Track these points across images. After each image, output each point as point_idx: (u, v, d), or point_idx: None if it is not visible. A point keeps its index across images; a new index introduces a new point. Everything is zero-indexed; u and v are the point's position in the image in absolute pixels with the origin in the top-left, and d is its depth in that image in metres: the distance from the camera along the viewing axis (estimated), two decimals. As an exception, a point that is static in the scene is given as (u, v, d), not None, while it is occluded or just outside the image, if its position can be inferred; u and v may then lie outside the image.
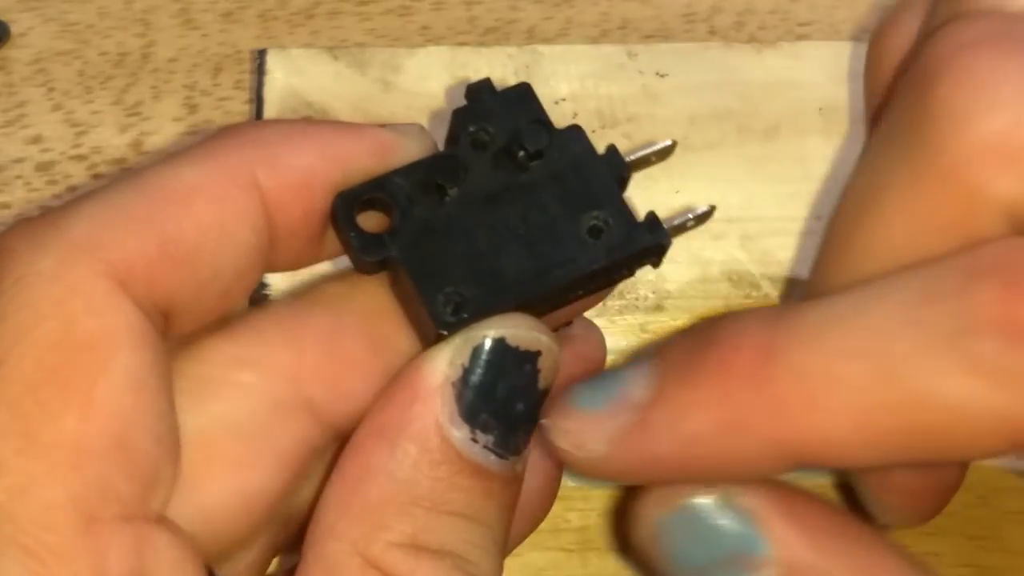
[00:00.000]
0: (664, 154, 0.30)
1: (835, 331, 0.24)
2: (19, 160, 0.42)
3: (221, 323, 0.26)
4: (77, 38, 0.44)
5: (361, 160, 0.27)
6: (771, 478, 0.25)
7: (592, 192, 0.27)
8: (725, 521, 0.25)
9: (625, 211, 0.27)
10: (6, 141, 0.42)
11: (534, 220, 0.27)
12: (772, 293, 0.38)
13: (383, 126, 0.28)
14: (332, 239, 0.27)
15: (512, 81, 0.41)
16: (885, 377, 0.23)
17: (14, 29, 0.44)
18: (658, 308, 0.38)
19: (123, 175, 0.25)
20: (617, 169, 0.28)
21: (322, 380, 0.26)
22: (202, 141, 0.26)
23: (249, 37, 0.44)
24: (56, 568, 0.22)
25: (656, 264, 0.28)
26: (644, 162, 0.29)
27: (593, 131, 0.40)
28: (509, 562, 0.32)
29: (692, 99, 0.41)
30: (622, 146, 0.40)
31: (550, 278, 0.26)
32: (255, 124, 0.27)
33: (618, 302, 0.38)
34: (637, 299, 0.38)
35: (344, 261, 0.27)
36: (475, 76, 0.41)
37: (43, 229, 0.24)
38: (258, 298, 0.37)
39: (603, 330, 0.37)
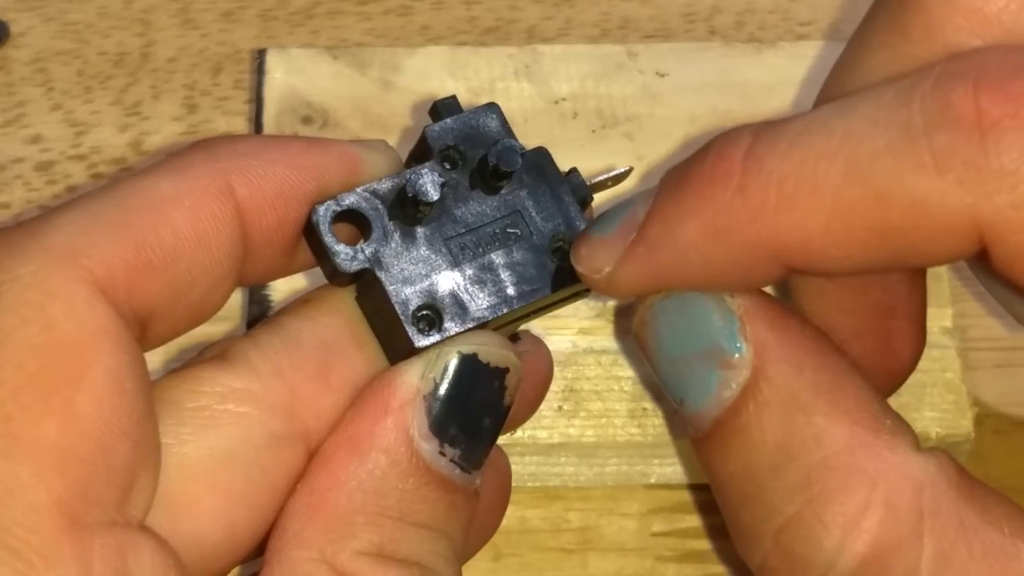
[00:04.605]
0: (620, 179, 0.31)
1: (811, 136, 0.25)
2: (19, 160, 0.42)
3: (215, 354, 0.26)
4: (77, 38, 0.44)
5: (332, 173, 0.27)
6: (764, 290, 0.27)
7: (557, 214, 0.28)
8: (712, 314, 0.27)
9: None
10: (6, 141, 0.42)
11: (504, 239, 0.28)
12: (771, 292, 0.38)
13: (351, 142, 0.28)
14: (303, 251, 0.27)
15: (512, 81, 0.41)
16: (856, 175, 0.24)
17: (14, 29, 0.44)
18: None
19: (101, 186, 0.26)
20: (580, 192, 0.29)
21: (316, 411, 0.26)
22: (178, 153, 0.26)
23: (249, 37, 0.44)
24: (42, 569, 0.22)
25: None
26: (602, 185, 0.30)
27: (593, 131, 0.40)
28: (509, 562, 0.32)
29: (692, 99, 0.41)
30: (622, 146, 0.40)
31: (518, 298, 0.27)
32: (230, 137, 0.28)
33: (618, 302, 0.38)
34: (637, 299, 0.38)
35: (314, 274, 0.28)
36: (475, 76, 0.41)
37: (22, 237, 0.24)
38: (261, 303, 0.37)
39: (602, 330, 0.37)
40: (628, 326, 0.29)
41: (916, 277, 0.30)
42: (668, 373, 0.28)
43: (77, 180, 0.41)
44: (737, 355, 0.26)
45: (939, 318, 0.37)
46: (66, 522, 0.22)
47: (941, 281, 0.37)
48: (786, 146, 0.25)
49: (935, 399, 0.36)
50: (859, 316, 0.29)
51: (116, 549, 0.23)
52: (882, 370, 0.30)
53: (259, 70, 0.41)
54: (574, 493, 0.37)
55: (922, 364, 0.36)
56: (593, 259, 0.27)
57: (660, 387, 0.28)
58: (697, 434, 0.27)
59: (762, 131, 0.25)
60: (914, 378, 0.34)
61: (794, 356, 0.26)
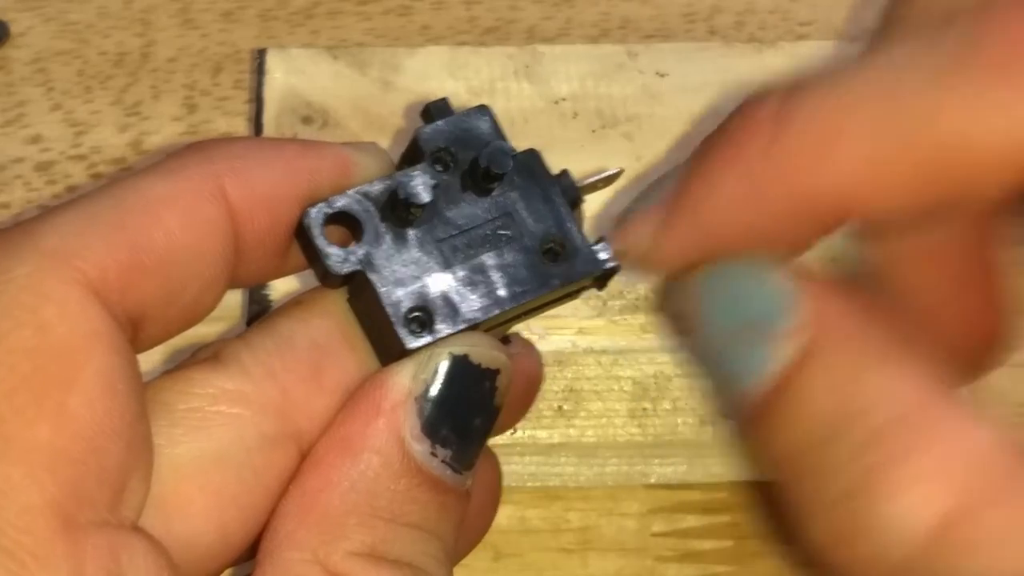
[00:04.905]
0: (610, 180, 0.31)
1: (846, 81, 0.24)
2: (19, 160, 0.42)
3: (208, 356, 0.26)
4: (77, 38, 0.44)
5: (324, 175, 0.27)
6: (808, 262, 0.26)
7: (548, 215, 0.28)
8: (761, 283, 0.26)
9: (578, 235, 0.28)
10: (6, 141, 0.42)
11: (495, 241, 0.28)
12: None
13: (343, 144, 0.28)
14: (295, 253, 0.27)
15: (512, 81, 0.41)
16: (895, 115, 0.23)
17: (14, 29, 0.44)
18: (658, 308, 0.38)
19: (96, 187, 0.26)
20: (570, 193, 0.29)
21: (308, 412, 0.26)
22: (172, 155, 0.26)
23: (249, 37, 0.44)
24: (35, 569, 0.22)
25: (601, 287, 0.29)
26: (593, 187, 0.30)
27: (593, 131, 0.40)
28: (509, 562, 0.32)
29: (692, 99, 0.41)
30: (622, 146, 0.40)
31: (510, 299, 0.27)
32: (222, 140, 0.27)
33: (618, 302, 0.38)
34: (637, 299, 0.38)
35: (307, 276, 0.28)
36: (475, 76, 0.41)
37: (16, 238, 0.24)
38: (261, 303, 0.37)
39: (604, 330, 0.37)
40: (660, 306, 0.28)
41: (984, 243, 0.28)
42: (715, 347, 0.26)
43: (77, 180, 0.41)
44: (790, 324, 0.25)
45: (939, 318, 0.37)
46: (59, 523, 0.23)
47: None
48: (820, 96, 0.24)
49: (935, 399, 0.36)
50: (939, 285, 0.28)
51: (109, 550, 0.23)
52: (971, 343, 0.29)
53: (259, 70, 0.41)
54: (574, 493, 0.37)
55: (922, 364, 0.35)
56: (633, 234, 0.27)
57: (704, 366, 0.27)
58: (750, 412, 0.26)
59: (795, 87, 0.25)
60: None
61: (849, 324, 0.25)
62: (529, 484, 0.37)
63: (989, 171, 0.23)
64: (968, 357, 0.29)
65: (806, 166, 0.24)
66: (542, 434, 0.36)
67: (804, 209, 0.25)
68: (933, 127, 0.23)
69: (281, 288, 0.37)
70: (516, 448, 0.35)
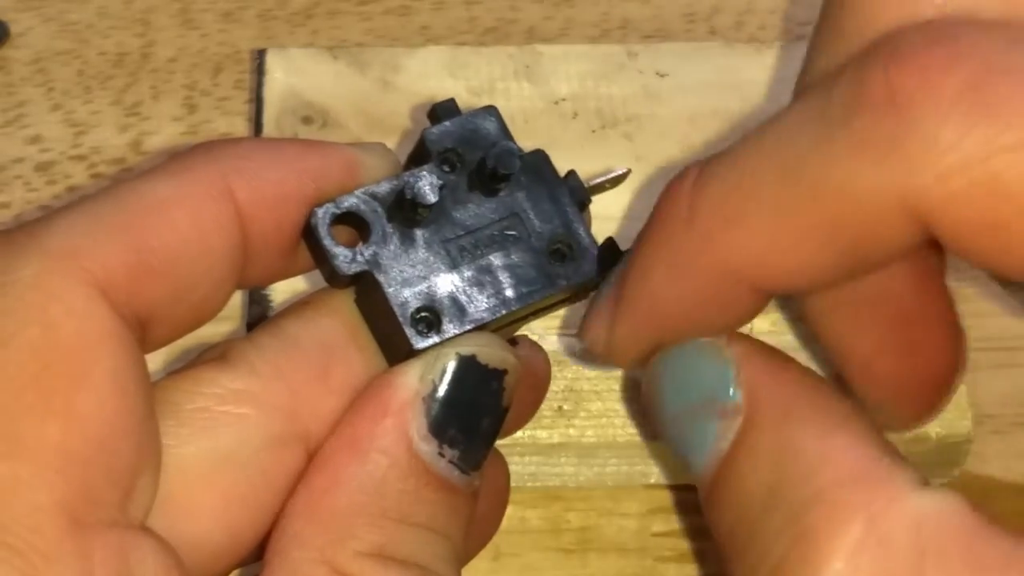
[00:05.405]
0: (618, 181, 0.31)
1: (747, 151, 0.25)
2: (19, 160, 0.42)
3: (215, 356, 0.26)
4: (76, 38, 0.44)
5: (331, 176, 0.27)
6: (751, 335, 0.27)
7: (555, 216, 0.28)
8: (707, 363, 0.26)
9: (586, 236, 0.28)
10: (6, 141, 0.42)
11: (502, 241, 0.28)
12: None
13: (350, 144, 0.28)
14: (305, 254, 0.27)
15: (512, 81, 0.41)
16: (788, 177, 0.24)
17: (14, 29, 0.44)
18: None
19: (102, 189, 0.26)
20: (578, 194, 0.29)
21: (315, 412, 0.26)
22: (178, 155, 0.26)
23: (249, 37, 0.44)
24: (44, 568, 0.22)
25: None
26: (600, 188, 0.30)
27: (593, 131, 0.40)
28: (509, 562, 0.32)
29: (692, 99, 0.41)
30: (622, 146, 0.40)
31: (517, 299, 0.27)
32: (229, 140, 0.27)
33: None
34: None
35: (314, 276, 0.28)
36: (475, 76, 0.41)
37: (23, 239, 0.24)
38: (261, 304, 0.37)
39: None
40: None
41: (923, 278, 0.28)
42: (672, 429, 0.27)
43: (77, 180, 0.41)
44: (731, 402, 0.26)
45: (939, 318, 0.37)
46: (68, 522, 0.22)
47: (941, 281, 0.38)
48: (727, 168, 0.25)
49: (935, 399, 0.36)
50: (878, 332, 0.28)
51: (118, 549, 0.23)
52: (922, 382, 0.29)
53: (259, 70, 0.41)
54: (574, 493, 0.37)
55: (922, 364, 0.35)
56: (592, 331, 0.28)
57: (670, 449, 0.28)
58: (702, 491, 0.26)
59: (708, 161, 0.25)
60: (914, 378, 0.34)
61: (785, 399, 0.25)
62: (529, 484, 0.37)
63: (886, 227, 0.23)
64: (912, 402, 0.29)
65: (718, 243, 0.25)
66: (542, 434, 0.36)
67: (725, 284, 0.25)
68: (827, 186, 0.23)
69: (284, 289, 0.36)
70: (516, 448, 0.35)
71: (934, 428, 0.36)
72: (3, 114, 0.42)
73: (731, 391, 0.26)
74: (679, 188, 0.25)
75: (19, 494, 0.22)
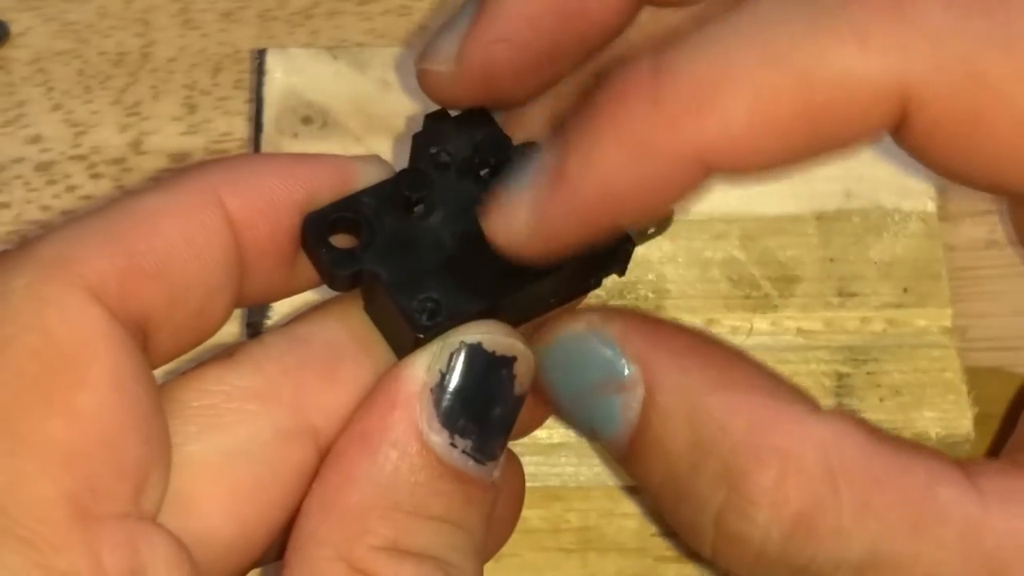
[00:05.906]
0: (663, 227, 0.31)
1: (723, 31, 0.24)
2: (18, 160, 0.42)
3: (222, 355, 0.27)
4: (76, 38, 0.44)
5: (323, 183, 0.27)
6: (640, 309, 0.28)
7: None
8: (593, 348, 0.27)
9: None
10: (6, 141, 0.42)
11: None
12: (772, 293, 0.38)
13: (343, 156, 0.28)
14: (305, 268, 0.28)
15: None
16: (775, 62, 0.24)
17: (14, 29, 0.44)
18: (658, 308, 0.38)
19: (93, 207, 0.26)
20: None
21: (323, 407, 0.26)
22: (168, 175, 0.27)
23: (249, 37, 0.44)
24: (53, 557, 0.22)
25: (621, 272, 0.29)
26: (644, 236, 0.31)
27: (593, 131, 0.40)
28: (509, 562, 0.32)
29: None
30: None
31: (519, 280, 0.27)
32: (222, 157, 0.28)
33: (618, 302, 0.38)
34: (637, 299, 0.38)
35: (325, 291, 0.28)
36: (475, 76, 0.41)
37: (15, 254, 0.25)
38: (260, 320, 0.37)
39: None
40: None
41: None
42: (573, 411, 0.28)
43: (77, 180, 0.41)
44: (627, 376, 0.27)
45: (939, 318, 0.37)
46: (74, 513, 0.23)
47: (941, 281, 0.38)
48: (699, 51, 0.24)
49: (935, 399, 0.36)
50: None
51: (127, 540, 0.23)
52: None
53: (259, 70, 0.41)
54: (574, 493, 0.37)
55: (922, 364, 0.36)
56: (511, 217, 0.26)
57: (570, 425, 0.29)
58: (618, 455, 0.28)
59: (667, 45, 0.25)
60: (914, 378, 0.34)
61: (677, 361, 0.27)
62: (529, 484, 0.37)
63: (870, 114, 0.24)
64: None
65: (687, 126, 0.24)
66: (542, 434, 0.36)
67: (688, 163, 0.25)
68: (820, 72, 0.24)
69: (281, 310, 0.37)
70: (516, 448, 0.35)
71: (934, 428, 0.36)
72: (3, 114, 0.42)
73: (624, 369, 0.27)
74: (637, 71, 0.25)
75: (25, 488, 0.23)
